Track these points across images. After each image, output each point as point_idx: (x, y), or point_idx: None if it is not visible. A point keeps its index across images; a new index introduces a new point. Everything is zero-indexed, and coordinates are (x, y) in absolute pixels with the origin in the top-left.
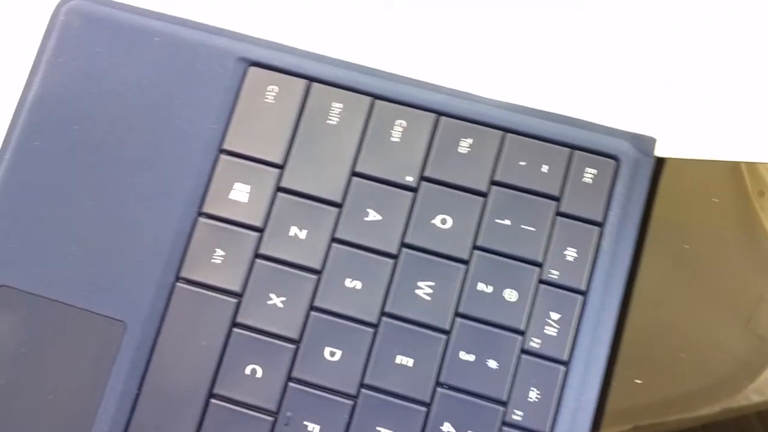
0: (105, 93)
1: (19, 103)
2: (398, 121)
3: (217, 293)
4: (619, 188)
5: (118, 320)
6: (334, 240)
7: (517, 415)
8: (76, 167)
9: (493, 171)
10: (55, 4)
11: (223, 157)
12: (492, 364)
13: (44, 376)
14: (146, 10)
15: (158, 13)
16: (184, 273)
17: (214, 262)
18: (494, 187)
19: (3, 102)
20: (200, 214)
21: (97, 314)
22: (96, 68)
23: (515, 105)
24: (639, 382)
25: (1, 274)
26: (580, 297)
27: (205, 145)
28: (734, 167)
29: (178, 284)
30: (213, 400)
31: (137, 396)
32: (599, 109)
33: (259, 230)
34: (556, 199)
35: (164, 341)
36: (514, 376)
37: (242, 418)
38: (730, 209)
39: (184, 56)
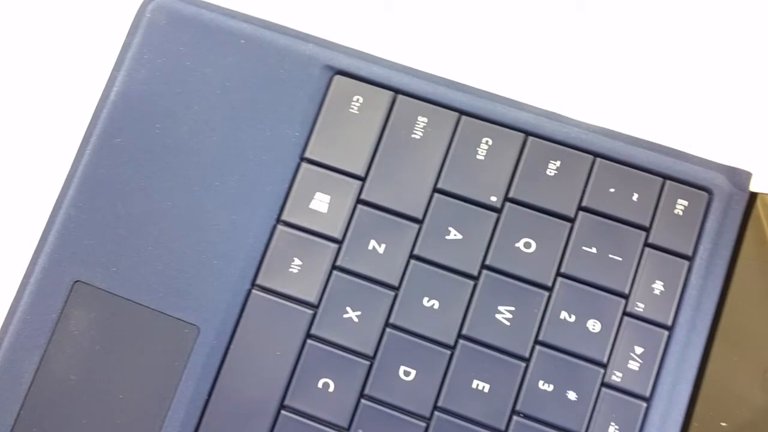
0: (188, 93)
1: (100, 99)
2: (485, 139)
3: (292, 303)
4: (711, 222)
5: (192, 324)
6: (413, 257)
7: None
8: (157, 167)
9: (582, 196)
10: (141, 2)
11: (305, 165)
12: (571, 395)
13: (116, 375)
14: (233, 11)
15: (245, 15)
16: (261, 281)
17: (291, 272)
18: (582, 213)
19: (84, 99)
20: (279, 221)
21: (171, 317)
22: (180, 67)
23: (607, 129)
24: (724, 425)
25: (78, 270)
26: (665, 332)
27: (287, 153)
28: None
29: (254, 291)
30: (284, 412)
31: (207, 401)
32: (694, 140)
33: (338, 242)
34: (646, 229)
35: (237, 348)
36: (594, 409)
37: None
38: None
39: (269, 61)
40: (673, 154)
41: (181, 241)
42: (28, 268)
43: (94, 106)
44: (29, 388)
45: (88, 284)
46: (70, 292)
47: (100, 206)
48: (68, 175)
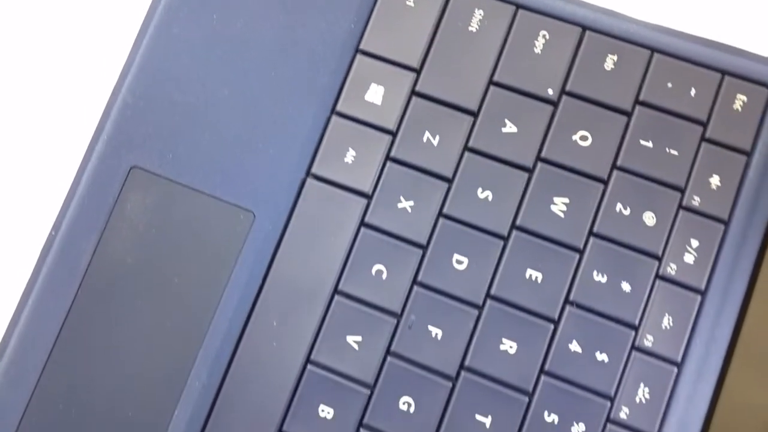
0: None
1: None
2: (542, 33)
3: (347, 192)
4: None
5: (248, 210)
6: (468, 149)
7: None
8: (214, 56)
9: (639, 90)
10: None
11: (360, 57)
12: (625, 287)
13: (171, 259)
14: None
15: None
16: (316, 170)
17: (345, 162)
18: (638, 107)
19: None
20: (334, 112)
21: (227, 203)
22: None
23: (664, 27)
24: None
25: (134, 156)
26: (721, 226)
27: (343, 44)
28: None
29: (309, 180)
30: (338, 297)
31: (261, 286)
32: (752, 38)
33: (392, 133)
34: (703, 124)
35: (292, 234)
36: (648, 301)
37: (366, 317)
38: None
39: None
40: (731, 50)
41: (238, 129)
42: (85, 155)
43: None
44: (86, 269)
45: (144, 170)
46: (127, 177)
47: (157, 94)
48: (126, 64)
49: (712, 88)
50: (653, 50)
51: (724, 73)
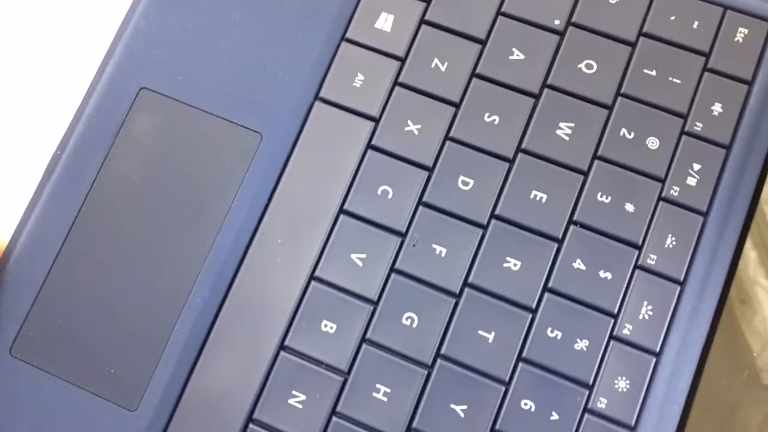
0: None
1: None
2: None
3: (354, 115)
4: None
5: (255, 131)
6: (475, 75)
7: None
8: None
9: (643, 22)
10: None
11: None
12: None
13: (177, 177)
14: None
15: None
16: (324, 93)
17: (354, 86)
18: (642, 38)
19: None
20: (344, 39)
21: (235, 124)
22: None
23: None
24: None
25: (144, 78)
26: (723, 151)
27: None
28: None
29: (317, 103)
30: (343, 216)
31: (266, 205)
32: None
33: (401, 59)
34: (705, 55)
35: (298, 156)
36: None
37: (371, 236)
38: None
39: None
40: None
41: (248, 54)
42: (95, 76)
43: None
44: (92, 184)
45: (153, 91)
46: (136, 97)
47: (169, 19)
48: None
49: (714, 21)
50: None
51: (726, 7)
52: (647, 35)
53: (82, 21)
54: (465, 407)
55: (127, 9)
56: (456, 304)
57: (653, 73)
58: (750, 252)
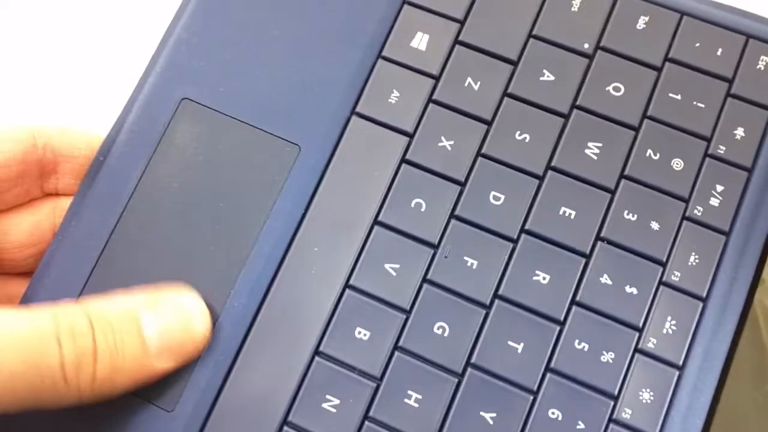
0: None
1: None
2: None
3: (389, 130)
4: None
5: (294, 143)
6: (506, 94)
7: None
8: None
9: (669, 48)
10: None
11: (407, 7)
12: (654, 226)
13: (216, 186)
14: None
15: None
16: (360, 108)
17: (389, 102)
18: (668, 63)
19: None
20: (381, 56)
21: (274, 135)
22: None
23: None
24: None
25: (186, 89)
26: (745, 173)
27: None
28: None
29: (354, 118)
30: (377, 227)
31: (303, 215)
32: None
33: (435, 78)
34: (729, 81)
35: (335, 168)
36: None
37: (404, 246)
38: None
39: None
40: (755, 18)
41: (287, 67)
42: (137, 86)
43: None
44: (133, 192)
45: (195, 102)
46: (177, 107)
47: (211, 32)
48: (182, 3)
49: (737, 48)
50: (683, 13)
51: (748, 36)
52: (673, 61)
53: (126, 31)
54: (494, 415)
55: (170, 21)
56: (486, 315)
57: (678, 97)
58: None
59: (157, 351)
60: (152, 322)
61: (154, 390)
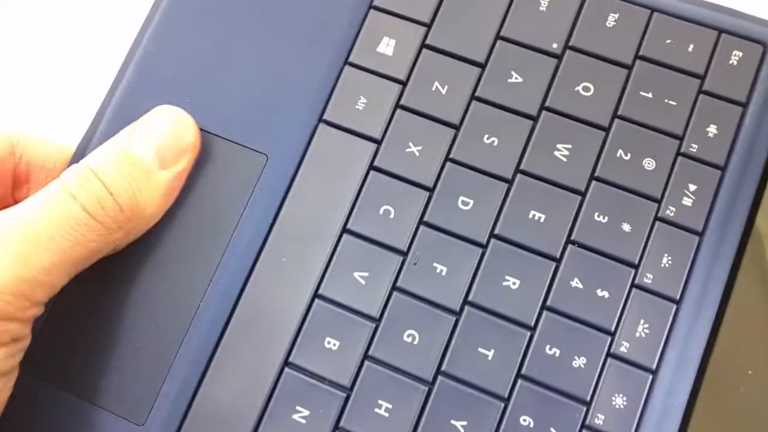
0: None
1: None
2: None
3: (357, 137)
4: (765, 72)
5: (261, 153)
6: (474, 98)
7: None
8: (232, 8)
9: (639, 46)
10: None
11: (373, 12)
12: (626, 227)
13: (183, 198)
14: None
15: None
16: (328, 116)
17: (357, 109)
18: (639, 61)
19: None
20: (347, 63)
21: (242, 145)
22: None
23: None
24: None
25: (153, 100)
26: (718, 172)
27: (357, 0)
28: None
29: (321, 125)
30: (346, 235)
31: (272, 225)
32: (746, 2)
33: (403, 83)
34: (701, 77)
35: (303, 176)
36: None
37: (373, 255)
38: None
39: None
40: (727, 11)
41: (254, 77)
42: (104, 100)
43: None
44: None
45: None
46: None
47: (177, 43)
48: (148, 14)
49: (709, 44)
50: (653, 10)
51: (720, 31)
52: (643, 58)
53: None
54: (465, 423)
55: (137, 32)
56: (456, 322)
57: (649, 95)
58: None
59: (158, 161)
60: (140, 143)
61: (124, 403)
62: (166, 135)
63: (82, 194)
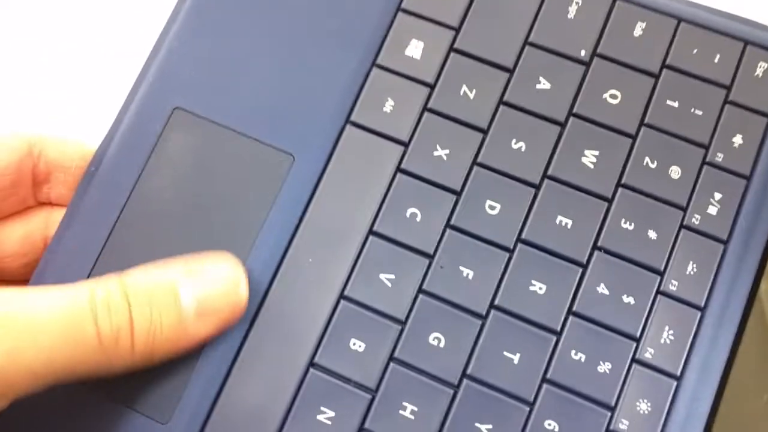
0: None
1: None
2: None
3: (384, 139)
4: None
5: (287, 153)
6: (502, 102)
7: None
8: (259, 7)
9: (666, 55)
10: None
11: (402, 15)
12: (652, 234)
13: (209, 196)
14: None
15: None
16: (355, 117)
17: (384, 111)
18: (665, 70)
19: None
20: (375, 65)
21: (268, 145)
22: None
23: (690, 1)
24: None
25: (178, 98)
26: (743, 181)
27: (386, 3)
28: None
29: (348, 127)
30: (372, 237)
31: (298, 226)
32: None
33: (431, 86)
34: (726, 87)
35: (329, 178)
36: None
37: (399, 257)
38: None
39: None
40: (752, 24)
41: (281, 76)
42: (128, 96)
43: None
44: (125, 203)
45: (187, 111)
46: (170, 117)
47: (203, 41)
48: (173, 11)
49: (735, 55)
50: (680, 20)
51: (746, 42)
52: (670, 67)
53: (127, 31)
54: (490, 426)
55: (161, 30)
56: (482, 326)
57: (676, 104)
58: None
59: (196, 320)
60: (190, 293)
61: (148, 402)
62: (218, 296)
63: (103, 319)
